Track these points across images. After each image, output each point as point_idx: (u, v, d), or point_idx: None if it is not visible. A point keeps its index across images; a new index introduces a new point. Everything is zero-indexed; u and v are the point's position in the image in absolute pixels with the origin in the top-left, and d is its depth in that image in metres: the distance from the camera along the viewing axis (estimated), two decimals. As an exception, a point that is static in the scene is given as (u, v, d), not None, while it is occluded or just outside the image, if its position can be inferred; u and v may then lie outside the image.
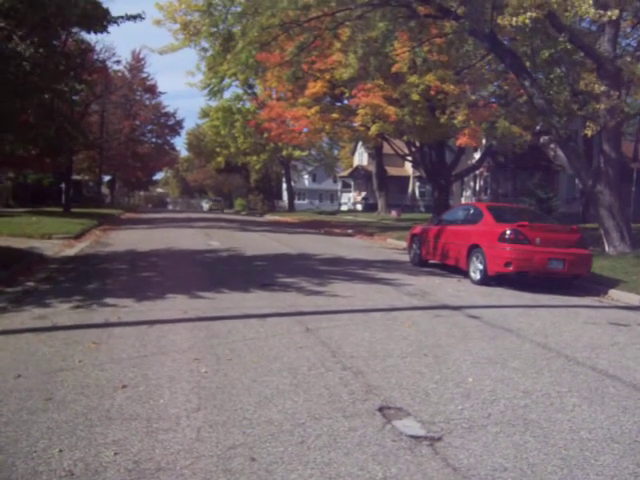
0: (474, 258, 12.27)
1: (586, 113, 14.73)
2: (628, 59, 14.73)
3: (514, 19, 11.67)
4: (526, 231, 11.68)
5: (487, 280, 11.86)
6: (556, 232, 12.32)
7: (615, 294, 11.55)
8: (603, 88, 13.76)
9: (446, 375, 5.52)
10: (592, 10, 11.33)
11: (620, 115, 14.54)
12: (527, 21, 11.55)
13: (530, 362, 6.14)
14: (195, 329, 6.94)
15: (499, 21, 12.38)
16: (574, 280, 12.21)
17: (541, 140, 33.68)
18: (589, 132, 14.45)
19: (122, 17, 14.46)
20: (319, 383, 5.09)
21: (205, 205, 79.63)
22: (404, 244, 18.76)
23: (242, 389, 4.86)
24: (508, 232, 11.68)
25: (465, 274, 12.63)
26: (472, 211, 13.79)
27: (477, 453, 3.87)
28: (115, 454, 3.62)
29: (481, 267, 11.99)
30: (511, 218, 12.62)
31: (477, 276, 12.10)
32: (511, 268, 11.51)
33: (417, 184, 55.60)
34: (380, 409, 4.57)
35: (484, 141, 31.98)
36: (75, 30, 16.74)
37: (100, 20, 14.05)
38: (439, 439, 4.07)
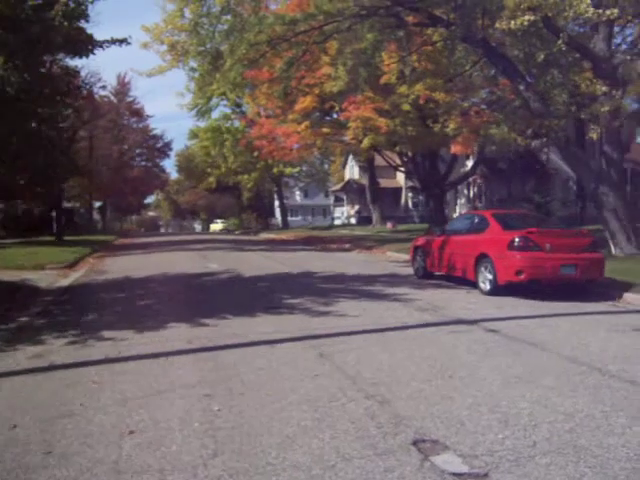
0: (482, 268, 11.88)
1: (586, 115, 14.45)
2: (628, 57, 14.46)
3: (512, 22, 11.38)
4: (536, 237, 11.31)
5: (497, 290, 11.45)
6: (566, 237, 11.99)
7: (630, 297, 11.14)
8: (604, 89, 13.49)
9: (478, 399, 5.11)
10: (591, 9, 11.06)
11: (622, 116, 14.26)
12: (525, 23, 11.28)
13: (563, 379, 5.73)
14: (201, 360, 6.52)
15: (497, 25, 12.08)
16: (587, 285, 11.85)
17: (532, 144, 33.45)
18: (595, 135, 14.15)
19: (108, 41, 14.12)
20: (343, 416, 4.67)
21: (207, 226, 79.16)
22: (405, 256, 18.37)
23: (261, 428, 4.43)
24: (517, 239, 11.31)
25: (473, 285, 12.23)
26: (477, 220, 13.40)
27: (532, 491, 3.46)
28: (127, 517, 3.19)
29: (490, 277, 11.60)
30: (518, 225, 12.25)
31: (487, 286, 11.70)
32: (522, 276, 11.12)
33: (409, 195, 55.28)
34: (414, 443, 4.15)
35: (476, 148, 31.73)
36: (60, 56, 16.40)
37: (85, 44, 13.73)
38: (485, 476, 3.66)
